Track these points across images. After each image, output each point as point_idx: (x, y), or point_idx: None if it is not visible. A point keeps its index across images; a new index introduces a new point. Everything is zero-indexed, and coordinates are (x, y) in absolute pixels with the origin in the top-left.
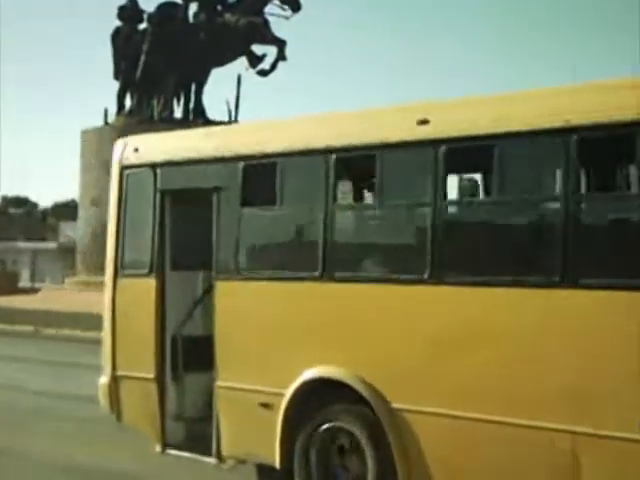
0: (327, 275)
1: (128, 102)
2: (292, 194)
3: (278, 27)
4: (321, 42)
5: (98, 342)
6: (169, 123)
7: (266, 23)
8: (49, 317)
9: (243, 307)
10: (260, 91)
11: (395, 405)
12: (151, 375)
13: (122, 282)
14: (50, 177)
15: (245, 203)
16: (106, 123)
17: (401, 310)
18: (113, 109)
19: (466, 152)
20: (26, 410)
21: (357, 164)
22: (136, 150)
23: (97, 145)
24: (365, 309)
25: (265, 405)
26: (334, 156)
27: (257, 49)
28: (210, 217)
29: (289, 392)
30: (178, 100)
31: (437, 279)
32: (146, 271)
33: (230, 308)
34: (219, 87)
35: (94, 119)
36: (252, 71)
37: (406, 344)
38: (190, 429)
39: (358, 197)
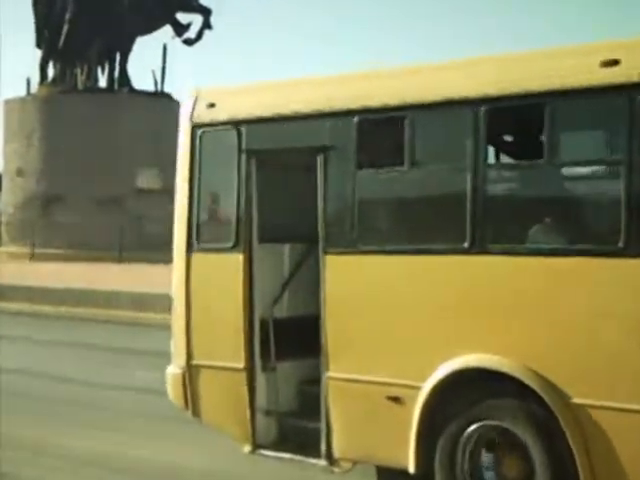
0: (479, 247)
1: (51, 71)
2: (426, 152)
3: None
4: (248, 10)
5: (22, 314)
6: (93, 93)
7: None
8: None
9: (362, 285)
10: (187, 60)
11: (578, 401)
12: (240, 365)
13: (198, 258)
14: None
15: (362, 164)
16: (29, 93)
17: (586, 288)
18: (36, 78)
19: None
20: None
21: (516, 115)
22: (212, 106)
23: (20, 115)
24: (533, 287)
25: (395, 399)
26: (485, 107)
27: (182, 18)
28: (306, 181)
29: (429, 384)
30: (102, 69)
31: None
32: (230, 245)
33: (344, 287)
34: (145, 56)
35: (17, 89)
36: (178, 40)
37: (596, 329)
38: (286, 427)
39: (518, 154)
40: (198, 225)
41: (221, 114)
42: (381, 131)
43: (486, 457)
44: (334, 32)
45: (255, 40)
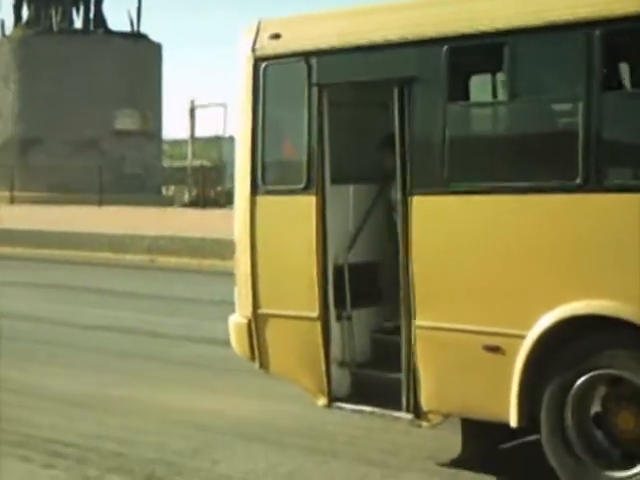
0: (594, 183)
1: (25, 13)
2: (530, 82)
3: None
4: None
5: (3, 257)
6: (69, 34)
7: None
8: None
9: (454, 228)
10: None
11: None
12: (313, 313)
13: (265, 200)
14: None
15: (453, 97)
16: (3, 35)
17: None
18: (11, 20)
19: None
20: None
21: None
22: (276, 37)
23: None
24: None
25: (493, 349)
26: (599, 31)
27: None
28: (383, 116)
29: (535, 333)
30: (77, 10)
31: None
32: (302, 186)
33: (433, 229)
34: None
35: None
36: None
37: None
38: (362, 378)
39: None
40: (264, 166)
41: (288, 45)
42: (475, 60)
43: (599, 409)
44: None
45: None
